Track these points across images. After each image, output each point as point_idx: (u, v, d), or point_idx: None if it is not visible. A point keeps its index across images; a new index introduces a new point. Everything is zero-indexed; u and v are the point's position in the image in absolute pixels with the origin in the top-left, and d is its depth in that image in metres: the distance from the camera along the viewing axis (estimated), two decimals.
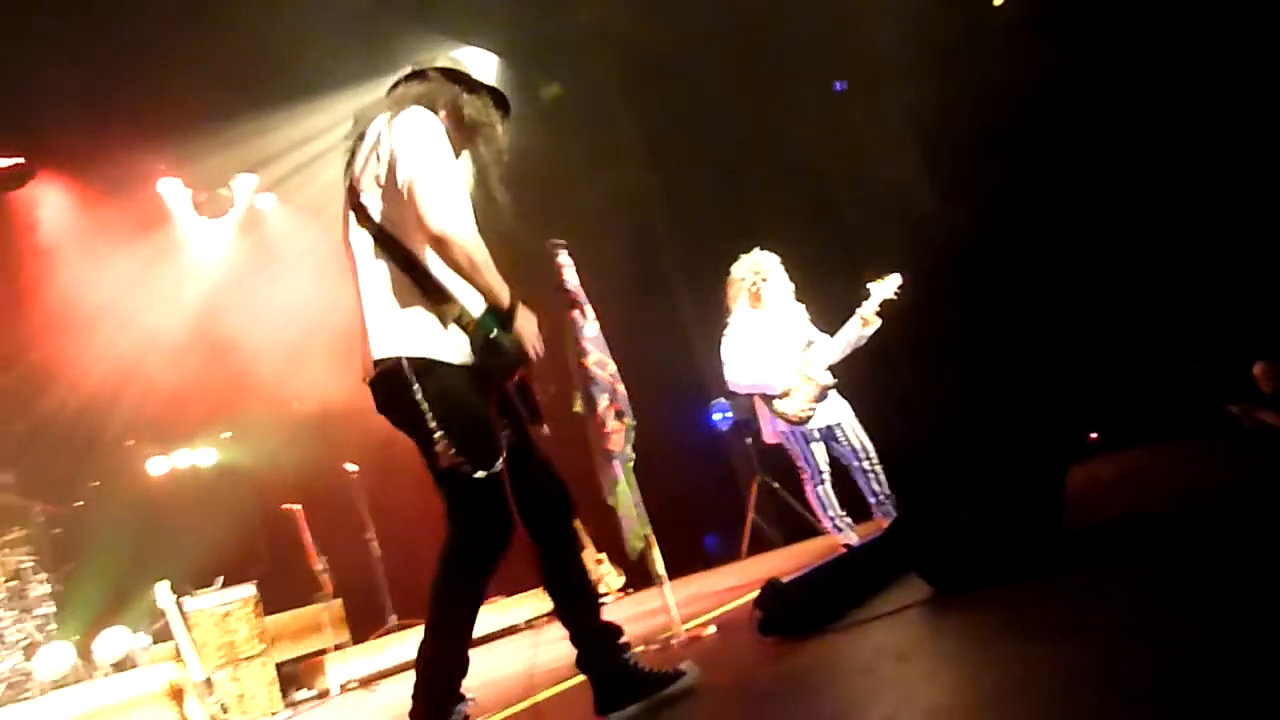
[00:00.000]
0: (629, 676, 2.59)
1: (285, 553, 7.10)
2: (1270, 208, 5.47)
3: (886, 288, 5.01)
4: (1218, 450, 4.55)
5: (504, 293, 2.50)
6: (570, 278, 3.67)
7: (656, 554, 3.90)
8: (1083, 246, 6.17)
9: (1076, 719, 1.46)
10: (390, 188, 2.48)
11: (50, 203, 7.89)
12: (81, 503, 7.76)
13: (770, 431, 5.10)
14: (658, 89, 8.03)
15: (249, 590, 6.52)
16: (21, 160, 7.74)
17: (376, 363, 2.48)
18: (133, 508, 7.80)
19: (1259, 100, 5.49)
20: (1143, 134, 5.97)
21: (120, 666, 6.27)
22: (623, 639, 2.65)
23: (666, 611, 3.87)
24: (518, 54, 8.60)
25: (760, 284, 5.12)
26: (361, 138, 2.63)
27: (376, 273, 2.52)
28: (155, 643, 6.47)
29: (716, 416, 7.15)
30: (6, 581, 6.27)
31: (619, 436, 3.55)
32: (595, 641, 2.63)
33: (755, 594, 3.13)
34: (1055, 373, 6.03)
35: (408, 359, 2.43)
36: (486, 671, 4.85)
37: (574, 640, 2.66)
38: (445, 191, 2.43)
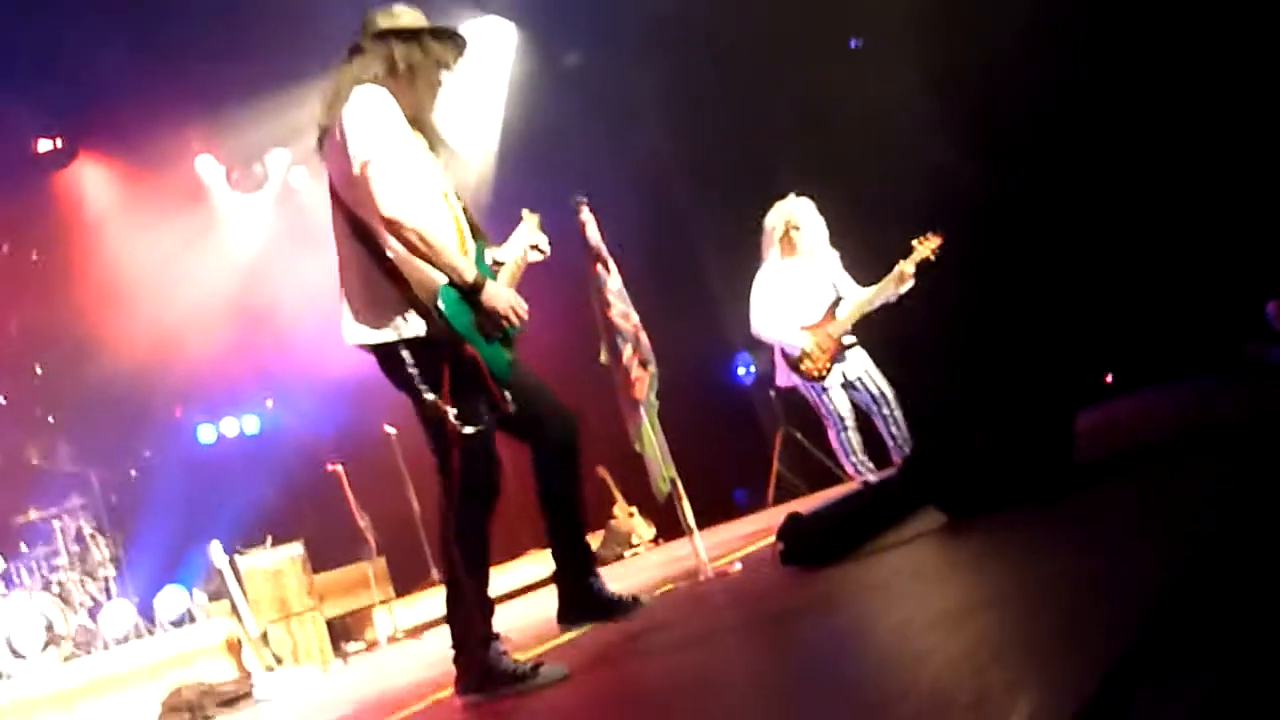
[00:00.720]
0: (592, 597, 2.88)
1: (330, 512, 7.37)
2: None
3: (927, 248, 4.98)
4: (1228, 388, 4.62)
5: (465, 270, 2.61)
6: (592, 233, 3.80)
7: (684, 498, 4.06)
8: (1096, 195, 6.21)
9: (1067, 614, 1.59)
10: (352, 175, 2.59)
11: (92, 181, 8.15)
12: (135, 472, 8.10)
13: (785, 377, 5.19)
14: (675, 47, 8.08)
15: (297, 549, 6.80)
16: (61, 143, 7.99)
17: (366, 346, 2.66)
18: (184, 474, 8.12)
19: (1266, 48, 5.48)
20: (1154, 81, 5.98)
21: (179, 623, 6.60)
22: (594, 563, 2.96)
23: (696, 555, 4.05)
24: (535, 21, 8.68)
25: (793, 232, 5.16)
26: (325, 130, 2.72)
27: (350, 257, 2.69)
28: (211, 600, 6.77)
29: (740, 370, 7.29)
30: (69, 546, 6.59)
31: (643, 384, 3.71)
32: (569, 560, 2.92)
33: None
34: (1070, 316, 6.09)
35: (389, 341, 2.61)
36: (526, 616, 5.06)
37: (553, 556, 2.94)
38: (392, 177, 2.55)
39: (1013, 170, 6.40)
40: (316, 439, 7.97)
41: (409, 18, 2.85)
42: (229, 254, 8.81)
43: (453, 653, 2.72)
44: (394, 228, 2.55)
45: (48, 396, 7.89)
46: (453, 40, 2.87)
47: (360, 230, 2.66)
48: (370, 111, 2.62)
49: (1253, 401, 3.99)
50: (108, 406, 7.88)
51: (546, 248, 2.88)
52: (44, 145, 7.89)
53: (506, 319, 2.68)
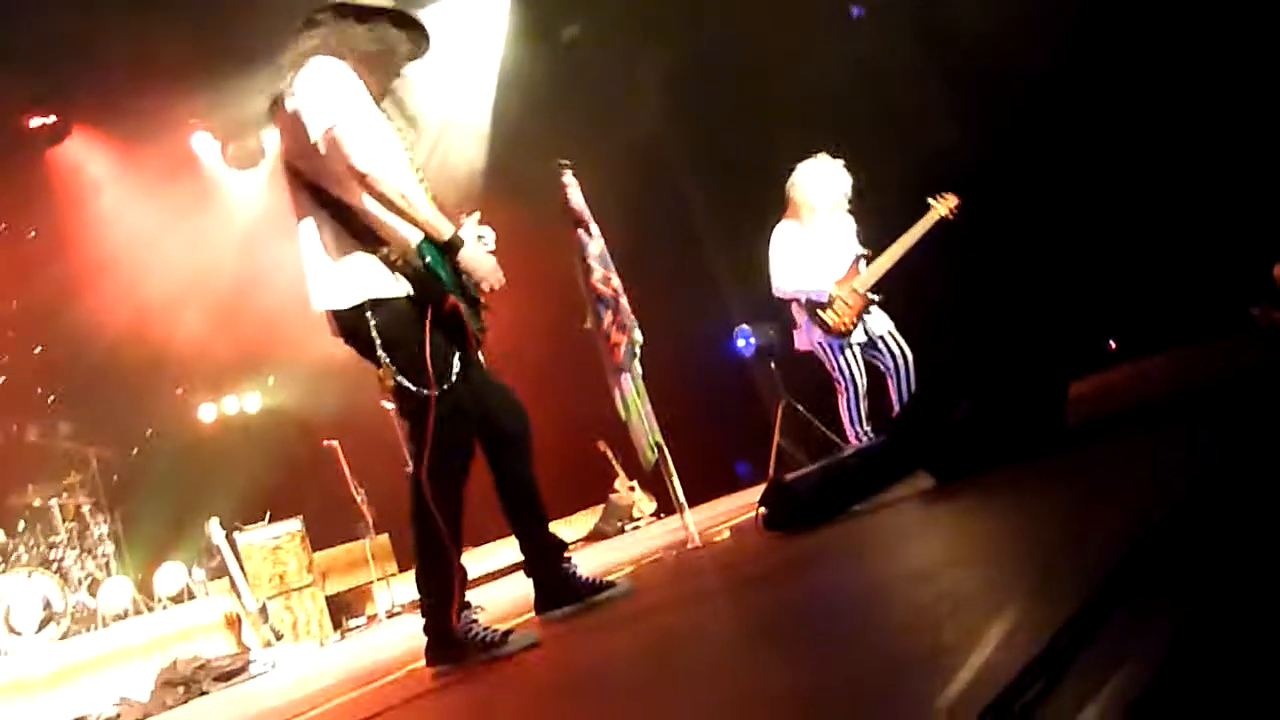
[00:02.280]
0: (566, 583, 2.86)
1: (329, 488, 7.35)
2: None
3: (945, 206, 4.96)
4: (1229, 350, 4.53)
5: (441, 225, 2.59)
6: (575, 197, 3.73)
7: (671, 466, 4.00)
8: (1105, 157, 6.08)
9: (1031, 569, 1.57)
10: (309, 145, 2.52)
11: (86, 157, 8.10)
12: (136, 450, 8.11)
13: (805, 339, 5.09)
14: (672, 17, 7.96)
15: (295, 525, 6.81)
16: (54, 118, 7.95)
17: (334, 313, 2.60)
18: (184, 451, 8.14)
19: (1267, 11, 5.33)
20: (1164, 39, 5.83)
21: (178, 599, 6.62)
22: (565, 551, 2.93)
23: (684, 525, 4.01)
24: None
25: (838, 202, 5.09)
26: (279, 105, 2.67)
27: (314, 227, 2.61)
28: (210, 577, 6.78)
29: (740, 343, 7.21)
30: (67, 523, 6.61)
31: (622, 349, 3.65)
32: (540, 551, 2.90)
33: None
34: (1072, 283, 5.99)
35: (357, 304, 2.55)
36: (505, 595, 5.04)
37: (522, 549, 2.92)
38: (362, 134, 2.49)
39: (1019, 131, 6.27)
40: (314, 415, 7.95)
41: None
42: (226, 230, 8.76)
43: (423, 622, 2.68)
44: (369, 183, 2.50)
45: (48, 375, 7.90)
46: (416, 29, 2.78)
47: (323, 199, 2.60)
48: (330, 80, 2.57)
49: (1244, 361, 3.90)
50: (110, 384, 7.88)
51: (491, 240, 2.85)
52: (36, 121, 7.85)
53: (486, 281, 2.66)
